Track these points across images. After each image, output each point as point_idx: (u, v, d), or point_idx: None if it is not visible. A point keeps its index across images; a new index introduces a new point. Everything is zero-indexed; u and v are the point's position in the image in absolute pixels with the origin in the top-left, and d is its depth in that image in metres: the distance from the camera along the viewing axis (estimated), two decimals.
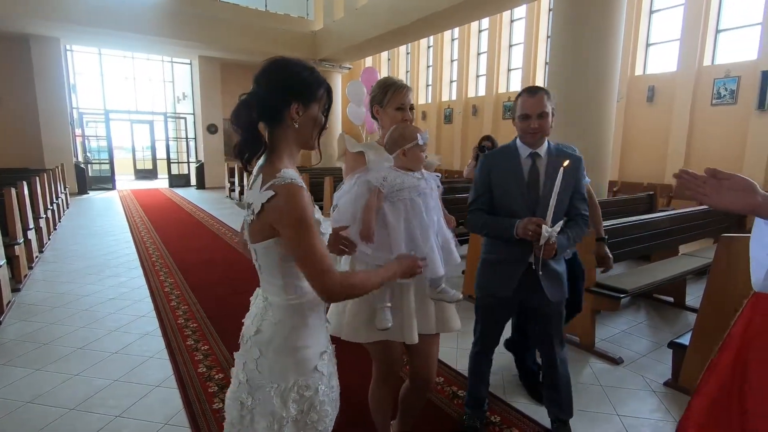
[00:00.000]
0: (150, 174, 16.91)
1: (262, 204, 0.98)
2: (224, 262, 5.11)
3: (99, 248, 5.72)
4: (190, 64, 14.15)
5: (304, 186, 1.02)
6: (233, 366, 1.15)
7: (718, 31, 7.46)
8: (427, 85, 14.01)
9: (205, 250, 5.70)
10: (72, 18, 9.72)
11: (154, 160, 16.75)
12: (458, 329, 1.69)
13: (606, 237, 2.54)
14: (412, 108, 1.69)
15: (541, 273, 1.74)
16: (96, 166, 13.44)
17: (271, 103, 1.03)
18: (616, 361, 2.79)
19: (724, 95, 7.23)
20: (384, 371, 1.66)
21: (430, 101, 13.75)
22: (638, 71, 8.49)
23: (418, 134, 1.50)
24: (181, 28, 10.93)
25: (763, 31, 6.72)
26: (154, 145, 15.99)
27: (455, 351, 2.90)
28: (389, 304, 1.50)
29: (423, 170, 1.56)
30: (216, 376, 2.55)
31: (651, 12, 8.35)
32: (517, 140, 1.84)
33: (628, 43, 8.11)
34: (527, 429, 2.13)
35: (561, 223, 1.65)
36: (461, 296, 1.55)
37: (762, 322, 1.03)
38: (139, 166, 17.11)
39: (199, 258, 5.23)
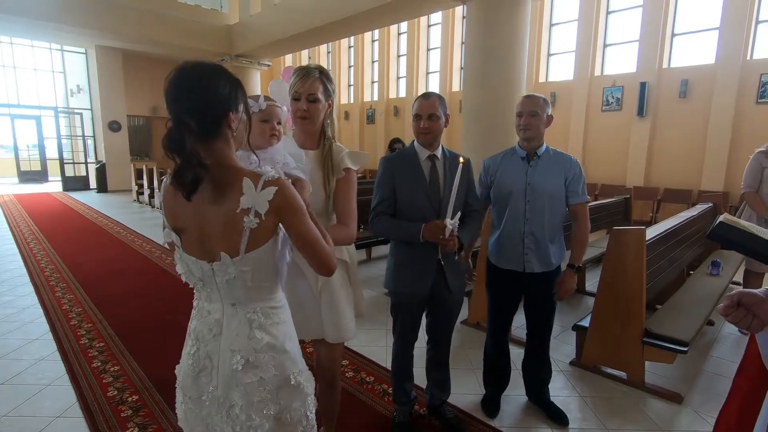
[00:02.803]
0: (38, 176, 14.96)
1: (269, 202, 0.99)
2: (134, 272, 4.68)
3: None
4: (86, 53, 12.72)
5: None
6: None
7: (605, 45, 8.42)
8: (349, 85, 14.03)
9: (111, 260, 5.18)
10: None
11: (43, 160, 14.84)
12: (347, 339, 1.64)
13: (580, 267, 2.15)
14: (315, 100, 1.47)
15: (449, 267, 1.94)
16: None
17: (212, 120, 0.99)
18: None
19: (612, 102, 8.18)
20: None
21: (352, 101, 13.79)
22: (542, 79, 9.29)
23: (256, 100, 1.34)
24: (74, 12, 9.75)
25: (640, 47, 7.73)
26: (42, 143, 14.17)
27: (385, 349, 2.96)
28: None
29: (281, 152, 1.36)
30: (129, 399, 2.33)
31: (551, 25, 9.19)
32: (415, 143, 1.96)
33: (533, 53, 8.85)
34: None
35: (459, 214, 1.78)
36: None
37: None
38: (24, 168, 15.05)
39: (104, 269, 4.74)
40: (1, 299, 3.85)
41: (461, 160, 1.81)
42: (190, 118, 0.96)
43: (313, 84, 1.46)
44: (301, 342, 1.58)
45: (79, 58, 12.91)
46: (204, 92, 0.98)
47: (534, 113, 2.01)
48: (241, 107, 1.05)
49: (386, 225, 1.91)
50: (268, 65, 13.36)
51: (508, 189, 2.10)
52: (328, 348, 1.63)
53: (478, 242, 3.40)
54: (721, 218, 0.94)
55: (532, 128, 2.02)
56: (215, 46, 11.80)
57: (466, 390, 2.51)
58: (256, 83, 12.91)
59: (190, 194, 0.98)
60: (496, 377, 2.39)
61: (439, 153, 1.94)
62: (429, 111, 1.85)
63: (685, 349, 2.35)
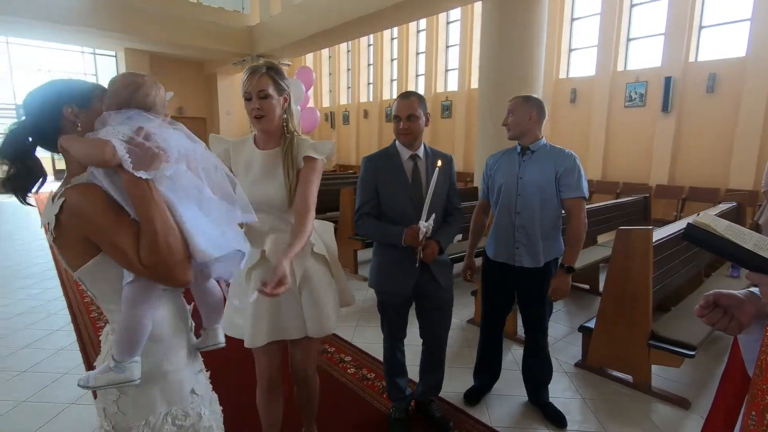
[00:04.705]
0: None
1: (56, 216, 0.86)
2: None
3: (2, 258, 5.21)
4: (116, 56, 13.19)
5: (103, 184, 0.89)
6: None
7: (629, 40, 8.16)
8: (369, 84, 14.07)
9: None
10: None
11: None
12: (329, 333, 1.62)
13: (572, 267, 2.04)
14: (265, 96, 1.42)
15: (434, 265, 1.91)
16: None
17: (42, 119, 0.94)
18: None
19: (635, 98, 7.93)
20: (259, 378, 1.64)
21: (371, 100, 13.83)
22: (562, 75, 9.08)
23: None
24: (103, 17, 10.11)
25: (665, 40, 7.46)
26: None
27: None
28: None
29: None
30: None
31: (572, 20, 8.97)
32: (396, 143, 1.95)
33: (552, 49, 8.67)
34: (450, 416, 2.24)
35: (433, 216, 1.74)
36: (221, 343, 1.18)
37: None
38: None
39: None
40: (27, 292, 4.06)
41: (439, 163, 1.77)
42: (29, 122, 0.94)
43: (261, 80, 1.42)
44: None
45: (110, 60, 13.41)
46: (38, 94, 0.95)
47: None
48: (95, 102, 0.98)
49: (371, 227, 1.91)
50: (288, 65, 13.51)
51: (501, 181, 2.13)
52: (303, 346, 1.65)
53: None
54: (691, 219, 0.91)
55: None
56: (237, 47, 12.05)
57: (465, 388, 2.49)
58: None
59: (25, 199, 0.95)
60: (482, 370, 2.41)
61: (421, 152, 1.93)
62: (408, 111, 1.84)
63: (693, 353, 2.28)
